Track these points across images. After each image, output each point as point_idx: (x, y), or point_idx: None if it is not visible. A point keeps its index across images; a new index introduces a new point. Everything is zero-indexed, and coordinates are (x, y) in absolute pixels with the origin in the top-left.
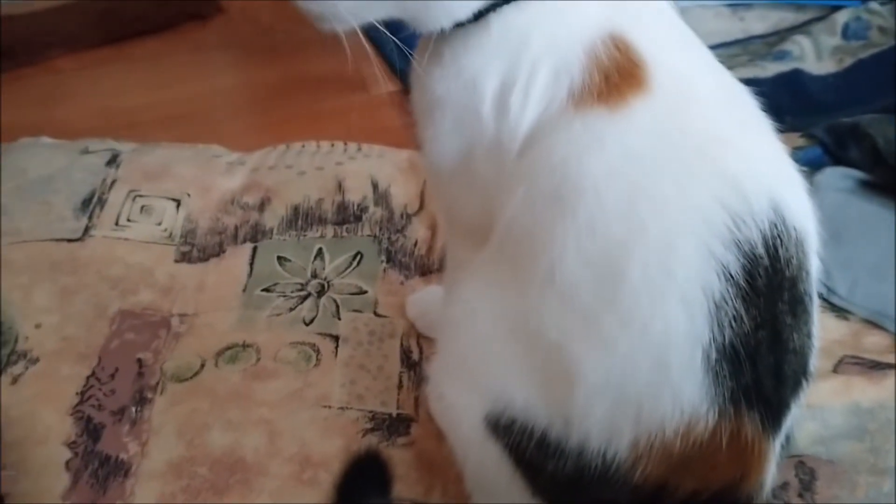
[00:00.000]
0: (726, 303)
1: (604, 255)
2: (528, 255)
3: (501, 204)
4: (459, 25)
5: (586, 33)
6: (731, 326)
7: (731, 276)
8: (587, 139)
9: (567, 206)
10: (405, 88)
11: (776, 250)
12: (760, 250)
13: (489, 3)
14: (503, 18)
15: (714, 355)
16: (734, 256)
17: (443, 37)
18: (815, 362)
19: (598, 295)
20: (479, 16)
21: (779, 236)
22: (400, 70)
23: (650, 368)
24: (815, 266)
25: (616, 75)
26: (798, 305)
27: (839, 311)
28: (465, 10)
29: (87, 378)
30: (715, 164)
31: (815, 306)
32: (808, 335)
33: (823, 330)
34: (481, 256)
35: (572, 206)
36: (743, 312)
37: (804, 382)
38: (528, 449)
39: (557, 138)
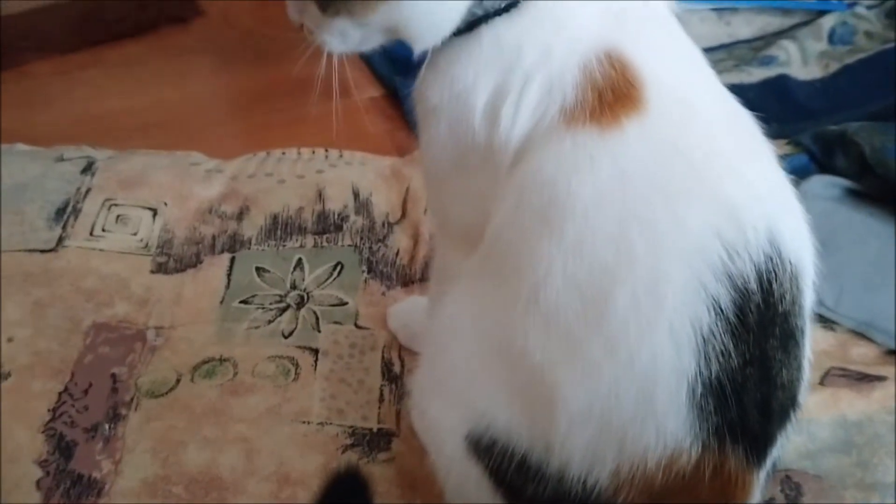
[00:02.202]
0: (714, 337)
1: (591, 280)
2: (513, 271)
3: (493, 211)
4: (454, 35)
5: (582, 48)
6: (719, 361)
7: (721, 311)
8: (577, 159)
9: (554, 226)
10: (389, 93)
11: (770, 285)
12: (753, 285)
13: (479, 14)
14: (494, 31)
15: (699, 389)
16: (726, 290)
17: (439, 46)
18: (805, 392)
19: (583, 320)
20: (472, 26)
21: (773, 270)
22: (383, 75)
23: (635, 399)
24: (809, 300)
25: (610, 95)
26: (789, 340)
27: (826, 322)
28: (447, 26)
29: (60, 394)
30: (712, 192)
31: (808, 338)
32: (799, 368)
33: (810, 342)
34: (468, 267)
35: (560, 226)
36: (731, 348)
37: (792, 414)
38: (508, 471)
39: (548, 154)
